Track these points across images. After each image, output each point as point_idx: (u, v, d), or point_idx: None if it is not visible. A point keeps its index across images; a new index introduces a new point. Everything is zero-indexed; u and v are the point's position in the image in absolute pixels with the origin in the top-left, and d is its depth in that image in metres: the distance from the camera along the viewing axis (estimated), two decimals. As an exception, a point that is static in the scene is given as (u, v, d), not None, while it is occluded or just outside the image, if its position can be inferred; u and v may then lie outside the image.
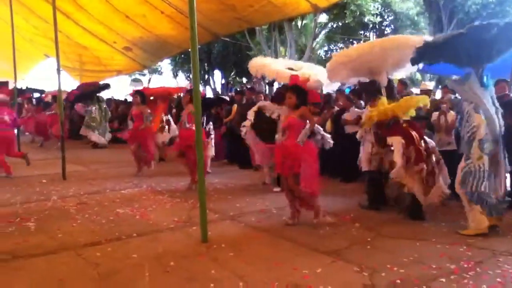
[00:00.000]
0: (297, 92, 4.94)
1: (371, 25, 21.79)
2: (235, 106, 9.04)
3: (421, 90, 7.77)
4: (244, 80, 25.32)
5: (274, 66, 6.43)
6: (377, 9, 20.74)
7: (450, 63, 5.09)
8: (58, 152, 8.70)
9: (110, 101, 15.36)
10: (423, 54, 4.77)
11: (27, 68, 18.82)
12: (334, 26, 22.72)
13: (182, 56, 20.30)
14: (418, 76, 19.82)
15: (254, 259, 3.95)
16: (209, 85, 23.91)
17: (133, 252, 4.16)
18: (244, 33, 19.55)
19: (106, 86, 13.26)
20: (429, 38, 5.04)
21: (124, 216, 5.49)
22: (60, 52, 15.29)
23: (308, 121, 4.93)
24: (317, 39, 22.46)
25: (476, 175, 4.54)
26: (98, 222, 5.23)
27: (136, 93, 8.54)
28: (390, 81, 5.59)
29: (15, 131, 9.12)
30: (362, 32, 23.35)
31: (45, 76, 19.84)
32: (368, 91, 5.79)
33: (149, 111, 8.20)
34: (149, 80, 17.81)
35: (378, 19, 21.26)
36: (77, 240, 4.58)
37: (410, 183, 4.99)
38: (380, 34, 21.93)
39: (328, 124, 7.44)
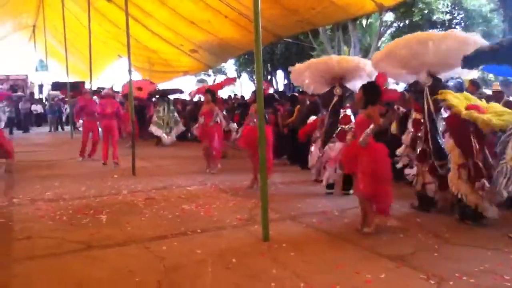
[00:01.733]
0: (365, 90, 4.81)
1: (440, 23, 20.85)
2: (298, 107, 9.04)
3: (493, 91, 7.36)
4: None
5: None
6: (447, 6, 19.80)
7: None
8: (128, 149, 9.15)
9: (176, 100, 15.91)
10: (483, 55, 4.58)
11: (101, 68, 19.97)
12: (401, 25, 22.00)
13: (246, 56, 20.56)
14: (491, 76, 18.70)
15: (315, 260, 3.94)
16: (272, 85, 24.08)
17: (197, 248, 4.30)
18: (307, 33, 19.46)
19: (178, 91, 13.78)
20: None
21: (189, 212, 5.68)
22: (131, 54, 16.13)
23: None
24: (383, 39, 21.84)
25: (507, 175, 4.41)
26: (165, 217, 5.45)
27: (206, 91, 8.77)
28: (436, 81, 5.35)
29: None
30: (430, 30, 22.39)
31: (117, 75, 20.88)
32: (412, 92, 5.64)
33: (218, 109, 8.45)
34: (214, 81, 18.23)
35: (448, 16, 20.30)
36: (145, 233, 4.80)
37: (470, 197, 4.83)
38: (450, 33, 20.90)
39: (394, 126, 7.22)
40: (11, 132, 18.37)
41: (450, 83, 5.65)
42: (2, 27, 19.55)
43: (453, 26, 21.32)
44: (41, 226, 5.11)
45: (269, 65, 22.92)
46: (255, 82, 4.66)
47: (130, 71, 9.06)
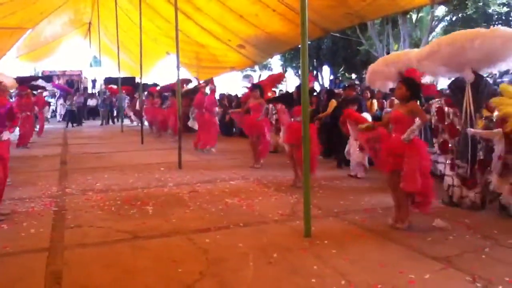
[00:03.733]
0: (407, 84, 4.67)
1: (496, 16, 19.83)
2: (333, 102, 8.87)
3: None
4: (353, 75, 24.69)
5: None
6: (504, -2, 18.83)
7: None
8: (175, 143, 9.36)
9: (222, 96, 16.12)
10: None
11: (150, 65, 20.50)
12: (453, 18, 21.13)
13: (292, 52, 20.44)
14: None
15: (358, 258, 3.88)
16: (317, 81, 23.75)
17: (239, 241, 4.34)
18: (355, 27, 19.07)
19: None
20: None
21: (232, 206, 5.74)
22: (180, 50, 16.45)
23: (418, 118, 4.59)
24: (434, 33, 21.06)
25: None
26: (208, 210, 5.55)
27: (254, 86, 8.81)
28: (478, 78, 5.12)
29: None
30: (485, 24, 21.40)
31: (166, 72, 21.40)
32: (451, 89, 5.45)
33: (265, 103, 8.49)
34: (260, 76, 18.23)
35: (505, 9, 19.26)
36: (189, 225, 4.91)
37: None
38: (507, 26, 19.83)
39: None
40: (67, 125, 19.32)
41: (505, 79, 5.42)
42: (63, 26, 20.49)
43: (511, 19, 20.25)
44: (91, 216, 5.34)
45: (315, 60, 22.61)
46: (301, 77, 4.62)
47: (178, 67, 9.23)
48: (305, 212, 4.51)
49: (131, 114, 19.01)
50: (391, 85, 5.93)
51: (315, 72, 23.62)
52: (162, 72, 21.64)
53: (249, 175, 7.75)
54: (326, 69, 24.41)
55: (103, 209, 5.65)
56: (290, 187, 6.73)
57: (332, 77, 24.91)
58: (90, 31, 23.53)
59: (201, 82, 13.45)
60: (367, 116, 6.80)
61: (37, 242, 4.40)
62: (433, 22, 19.58)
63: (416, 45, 20.08)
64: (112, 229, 4.81)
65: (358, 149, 6.63)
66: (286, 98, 7.18)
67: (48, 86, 20.31)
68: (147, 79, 20.46)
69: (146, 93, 16.46)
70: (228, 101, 15.63)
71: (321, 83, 23.64)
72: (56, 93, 23.60)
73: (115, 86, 19.80)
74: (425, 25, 20.84)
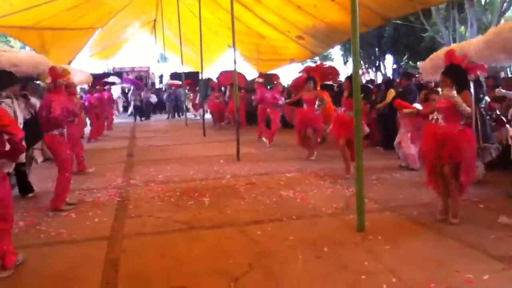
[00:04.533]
0: (450, 75, 4.45)
1: None
2: (391, 91, 8.52)
3: None
4: (418, 64, 23.47)
5: None
6: None
7: None
8: (234, 135, 9.47)
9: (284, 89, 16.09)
10: None
11: (212, 59, 20.86)
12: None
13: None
14: None
15: (412, 255, 3.73)
16: (380, 70, 22.85)
17: (290, 234, 4.34)
18: (418, 13, 18.14)
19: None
20: None
21: (287, 198, 5.74)
22: (240, 42, 16.57)
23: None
24: (505, 16, 19.48)
25: None
26: (263, 202, 5.58)
27: (308, 78, 8.70)
28: None
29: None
30: None
31: (228, 65, 21.67)
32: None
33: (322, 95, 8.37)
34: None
35: None
36: (243, 217, 4.98)
37: None
38: None
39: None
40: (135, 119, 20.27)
41: None
42: (131, 25, 21.44)
43: None
44: (151, 206, 5.57)
45: (376, 49, 21.72)
46: (353, 68, 4.50)
47: (235, 61, 9.32)
48: (357, 205, 4.40)
49: (191, 107, 19.55)
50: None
51: (377, 62, 22.75)
52: (224, 65, 21.96)
53: (306, 167, 7.68)
54: (389, 58, 23.47)
55: (163, 200, 5.87)
56: (347, 180, 6.60)
57: (395, 66, 23.91)
58: (155, 28, 24.37)
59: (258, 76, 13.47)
60: (419, 107, 6.47)
61: (100, 231, 4.67)
62: (505, 4, 18.14)
63: (486, 29, 18.77)
64: (169, 220, 4.99)
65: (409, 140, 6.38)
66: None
67: (118, 81, 21.42)
68: (210, 73, 20.86)
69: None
70: (287, 93, 15.56)
71: (383, 72, 22.75)
72: (127, 88, 24.74)
73: (176, 81, 20.41)
74: (496, 7, 19.37)
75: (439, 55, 5.56)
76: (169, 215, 5.16)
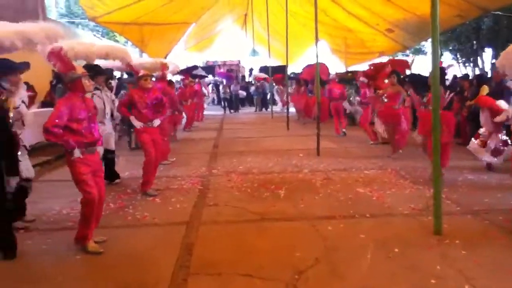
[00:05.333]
0: None
1: None
2: (484, 88, 7.86)
3: None
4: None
5: None
6: None
7: None
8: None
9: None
10: None
11: (300, 52, 20.86)
12: None
13: (448, 33, 18.46)
14: None
15: (489, 263, 3.50)
16: (477, 65, 20.98)
17: (361, 232, 4.28)
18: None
19: None
20: None
21: (362, 196, 5.64)
22: (328, 35, 16.41)
23: None
24: None
25: None
26: (337, 198, 5.55)
27: (392, 72, 8.42)
28: None
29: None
30: None
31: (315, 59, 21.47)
32: None
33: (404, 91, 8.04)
34: (412, 61, 16.85)
35: None
36: (315, 212, 5.00)
37: None
38: None
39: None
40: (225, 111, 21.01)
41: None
42: (223, 20, 22.17)
43: None
44: (229, 196, 5.80)
45: (474, 42, 19.95)
46: (432, 62, 4.28)
47: (317, 55, 9.26)
48: (435, 207, 4.22)
49: (278, 101, 19.74)
50: None
51: (473, 56, 20.92)
52: (311, 59, 21.86)
53: (387, 165, 7.45)
54: (488, 52, 21.49)
55: (240, 190, 6.08)
56: (429, 180, 6.29)
57: (494, 60, 21.83)
58: (246, 22, 24.90)
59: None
60: (503, 104, 5.94)
61: (180, 216, 4.99)
62: None
63: None
64: (244, 210, 5.17)
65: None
66: (419, 82, 6.64)
67: (210, 75, 22.27)
68: (297, 67, 20.90)
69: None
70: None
71: (481, 67, 20.91)
72: (219, 81, 25.63)
73: (262, 75, 20.70)
74: None
75: None
76: (244, 205, 5.34)
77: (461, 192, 5.64)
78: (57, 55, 4.05)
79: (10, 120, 4.26)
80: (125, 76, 10.30)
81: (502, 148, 6.44)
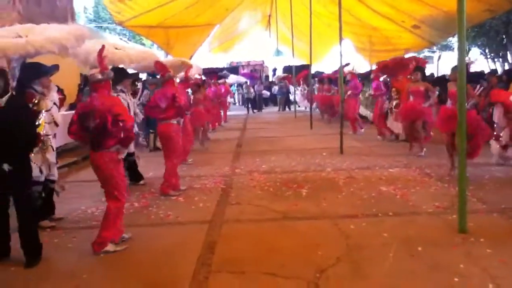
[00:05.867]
0: None
1: None
2: None
3: None
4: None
5: None
6: None
7: None
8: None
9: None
10: None
11: (325, 51, 20.73)
12: None
13: (476, 29, 17.95)
14: None
15: (516, 262, 3.43)
16: (507, 60, 20.31)
17: (384, 231, 4.25)
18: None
19: None
20: None
21: (386, 194, 5.59)
22: (352, 34, 16.28)
23: None
24: None
25: None
26: (360, 196, 5.51)
27: (416, 68, 8.30)
28: None
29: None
30: None
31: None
32: None
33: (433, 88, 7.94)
34: (439, 57, 16.49)
35: None
36: (338, 210, 4.98)
37: None
38: None
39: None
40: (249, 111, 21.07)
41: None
42: (247, 20, 22.23)
43: None
44: (251, 195, 5.84)
45: (504, 37, 19.31)
46: (458, 58, 4.21)
47: (341, 53, 9.19)
48: (460, 205, 4.14)
49: (300, 100, 19.70)
50: None
51: (503, 51, 20.30)
52: (336, 58, 21.70)
53: (412, 163, 7.35)
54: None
55: (263, 189, 6.11)
56: (456, 178, 6.17)
57: None
58: (270, 23, 24.91)
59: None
60: None
61: (202, 215, 5.05)
62: None
63: None
64: (266, 208, 5.20)
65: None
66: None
67: (233, 76, 22.38)
68: (321, 66, 20.76)
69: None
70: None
71: (510, 62, 20.25)
72: (243, 82, 25.76)
73: (284, 74, 20.70)
74: None
75: None
76: (266, 204, 5.36)
77: (488, 189, 5.53)
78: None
79: (40, 122, 4.42)
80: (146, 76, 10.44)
81: None
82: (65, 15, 13.05)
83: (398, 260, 3.61)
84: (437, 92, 8.11)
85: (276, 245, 4.06)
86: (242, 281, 3.38)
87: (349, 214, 4.85)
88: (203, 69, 14.04)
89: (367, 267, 3.51)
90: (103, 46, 4.12)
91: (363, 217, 4.74)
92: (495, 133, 6.62)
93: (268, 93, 23.07)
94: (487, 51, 21.47)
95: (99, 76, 4.02)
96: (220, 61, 28.06)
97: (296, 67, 18.35)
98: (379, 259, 3.63)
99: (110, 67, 5.34)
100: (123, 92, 6.05)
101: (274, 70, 29.44)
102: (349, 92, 11.38)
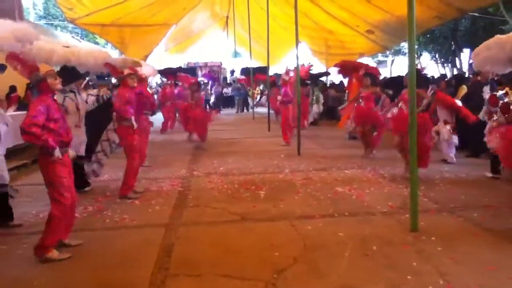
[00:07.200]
0: None
1: None
2: (463, 88, 8.04)
3: None
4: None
5: None
6: None
7: None
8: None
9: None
10: None
11: (282, 54, 20.94)
12: None
13: (427, 35, 18.71)
14: None
15: (464, 259, 3.58)
16: (455, 66, 21.33)
17: (340, 231, 4.33)
18: (498, 4, 16.77)
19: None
20: None
21: (342, 195, 5.70)
22: (308, 37, 16.52)
23: None
24: None
25: None
26: (317, 197, 5.59)
27: (365, 75, 8.55)
28: None
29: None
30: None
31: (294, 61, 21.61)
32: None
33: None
34: (392, 62, 17.06)
35: None
36: (295, 211, 5.03)
37: None
38: None
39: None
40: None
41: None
42: (204, 20, 22.10)
43: None
44: (209, 197, 5.79)
45: (452, 43, 20.26)
46: (409, 64, 4.35)
47: (297, 57, 9.32)
48: (411, 205, 4.29)
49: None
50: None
51: (451, 56, 21.31)
52: (293, 61, 21.97)
53: (367, 165, 7.54)
54: (466, 53, 21.91)
55: (221, 191, 6.07)
56: (407, 179, 6.38)
57: (471, 61, 22.06)
58: (228, 24, 24.90)
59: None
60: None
61: (159, 218, 4.95)
62: None
63: None
64: (225, 210, 5.17)
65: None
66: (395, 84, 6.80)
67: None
68: (279, 68, 20.91)
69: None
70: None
71: (458, 67, 21.27)
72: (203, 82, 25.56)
73: (243, 77, 20.78)
74: None
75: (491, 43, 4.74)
76: (225, 206, 5.33)
77: (438, 190, 5.75)
78: (16, 58, 3.93)
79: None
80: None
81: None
82: (12, 10, 12.50)
83: (353, 259, 3.68)
84: (390, 92, 8.38)
85: (234, 247, 4.04)
86: (199, 284, 3.34)
87: (306, 214, 4.90)
88: (159, 71, 13.77)
89: (324, 266, 3.56)
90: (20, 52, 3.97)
91: (319, 217, 4.81)
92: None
93: (230, 90, 23.12)
94: (437, 56, 22.38)
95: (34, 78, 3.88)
96: (177, 62, 27.72)
97: (254, 69, 18.40)
98: (336, 259, 3.69)
99: (57, 68, 5.15)
100: (72, 92, 5.83)
101: (232, 71, 29.39)
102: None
